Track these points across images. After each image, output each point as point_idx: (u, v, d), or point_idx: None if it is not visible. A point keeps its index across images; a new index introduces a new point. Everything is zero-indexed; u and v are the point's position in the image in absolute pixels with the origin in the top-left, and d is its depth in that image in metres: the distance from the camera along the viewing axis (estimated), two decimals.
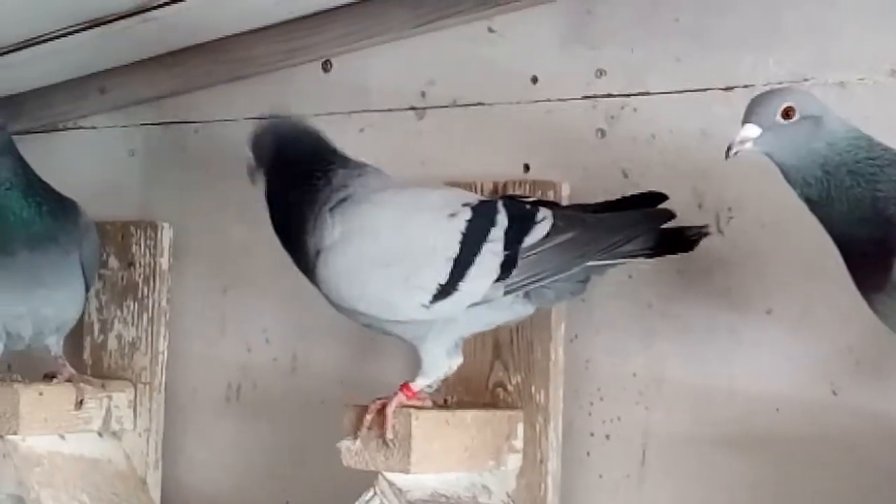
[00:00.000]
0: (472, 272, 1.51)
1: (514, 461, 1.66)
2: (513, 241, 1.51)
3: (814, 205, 1.28)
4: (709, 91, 1.62)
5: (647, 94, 1.67)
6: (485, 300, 1.52)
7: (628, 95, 1.68)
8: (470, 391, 1.69)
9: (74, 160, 2.24)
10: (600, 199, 1.61)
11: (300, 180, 1.56)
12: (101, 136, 2.21)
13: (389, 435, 1.52)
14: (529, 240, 1.51)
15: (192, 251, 2.09)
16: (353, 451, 1.56)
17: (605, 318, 1.68)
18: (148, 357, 2.05)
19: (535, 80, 1.76)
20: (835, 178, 1.26)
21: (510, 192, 1.71)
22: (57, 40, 1.98)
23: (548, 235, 1.52)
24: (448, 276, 1.50)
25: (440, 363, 1.56)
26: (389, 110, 1.88)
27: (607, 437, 1.68)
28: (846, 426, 1.50)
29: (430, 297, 1.51)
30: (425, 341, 1.55)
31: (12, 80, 2.20)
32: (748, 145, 1.27)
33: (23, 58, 2.06)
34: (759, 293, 1.58)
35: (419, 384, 1.57)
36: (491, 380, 1.69)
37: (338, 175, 1.57)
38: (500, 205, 1.54)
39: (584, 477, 1.69)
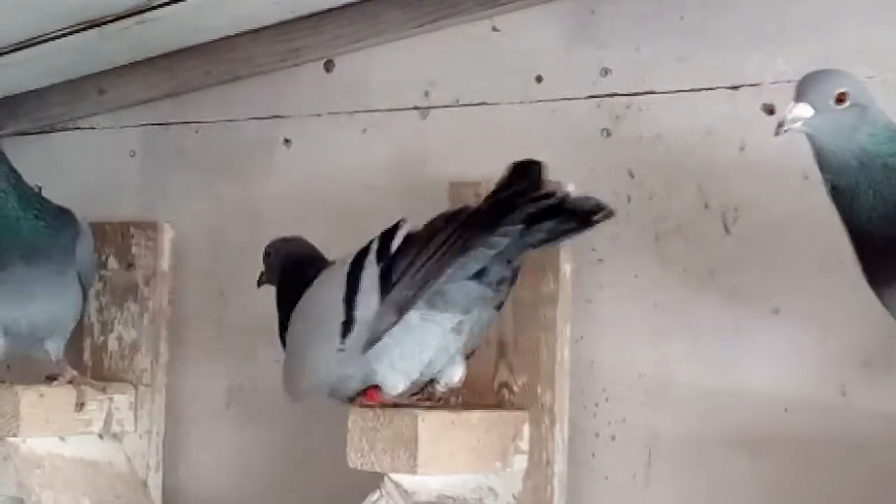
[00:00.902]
0: (360, 298, 1.56)
1: (519, 462, 1.65)
2: (383, 253, 1.56)
3: (839, 194, 1.27)
4: (714, 90, 1.61)
5: (653, 93, 1.66)
6: (380, 320, 1.54)
7: (633, 94, 1.68)
8: (475, 392, 1.68)
9: (73, 161, 2.22)
10: (608, 199, 1.60)
11: (294, 285, 1.71)
12: (101, 136, 2.20)
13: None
14: (395, 244, 1.55)
15: (192, 252, 2.08)
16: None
17: (612, 318, 1.68)
18: (149, 359, 2.03)
19: (539, 79, 1.75)
20: (868, 170, 1.25)
21: None
22: (55, 41, 1.97)
23: (410, 237, 1.55)
24: (345, 313, 1.57)
25: (397, 385, 1.58)
26: (392, 110, 1.88)
27: (613, 438, 1.67)
28: (856, 427, 1.50)
29: (339, 339, 1.57)
30: (377, 375, 1.58)
31: (10, 80, 2.19)
32: (798, 125, 1.25)
33: (20, 58, 2.04)
34: (766, 293, 1.57)
35: (383, 397, 1.60)
36: (496, 380, 1.68)
37: (314, 274, 1.68)
38: (378, 236, 1.59)
39: (590, 478, 1.68)
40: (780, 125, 1.25)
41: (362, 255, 1.57)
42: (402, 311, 1.53)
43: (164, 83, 2.07)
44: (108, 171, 2.19)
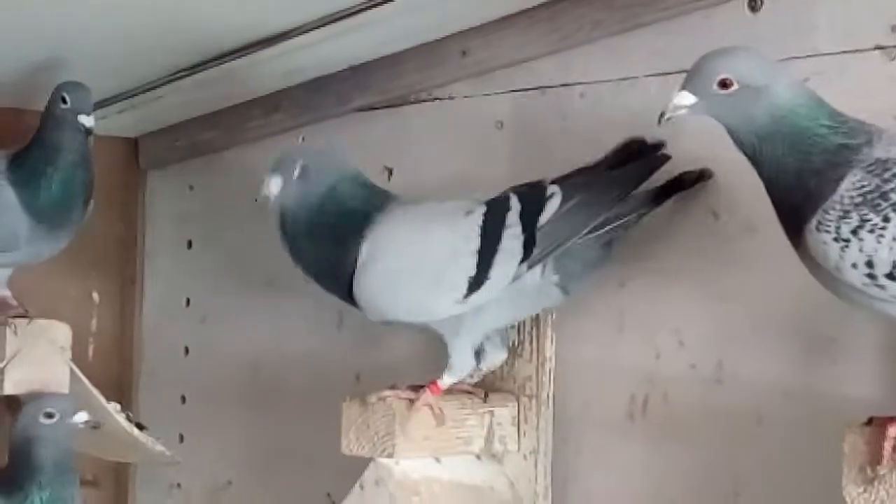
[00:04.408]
0: (498, 259, 1.58)
1: None
2: (529, 221, 1.58)
3: (753, 164, 1.31)
4: None
5: None
6: (514, 279, 1.59)
7: None
8: None
9: (429, 137, 1.95)
10: None
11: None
12: (462, 107, 1.90)
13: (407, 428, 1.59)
14: (544, 217, 1.58)
15: None
16: None
17: None
18: (533, 365, 1.72)
19: None
20: (769, 146, 1.28)
21: None
22: None
23: (559, 207, 1.58)
24: (476, 269, 1.58)
25: (467, 361, 1.63)
26: (845, 52, 1.49)
27: None
28: None
29: (463, 292, 1.59)
30: (457, 338, 1.62)
31: (358, 46, 1.92)
32: (682, 112, 1.31)
33: (372, 18, 1.77)
34: None
35: (447, 382, 1.63)
36: None
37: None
38: (510, 192, 1.62)
39: None
40: (662, 114, 1.32)
41: (500, 209, 1.59)
42: (530, 266, 1.58)
43: (542, 38, 1.75)
44: (470, 148, 1.89)
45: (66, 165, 1.86)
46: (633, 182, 1.59)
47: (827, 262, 1.24)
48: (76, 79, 1.90)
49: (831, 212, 1.23)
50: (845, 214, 1.22)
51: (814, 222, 1.24)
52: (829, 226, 1.23)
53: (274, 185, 1.65)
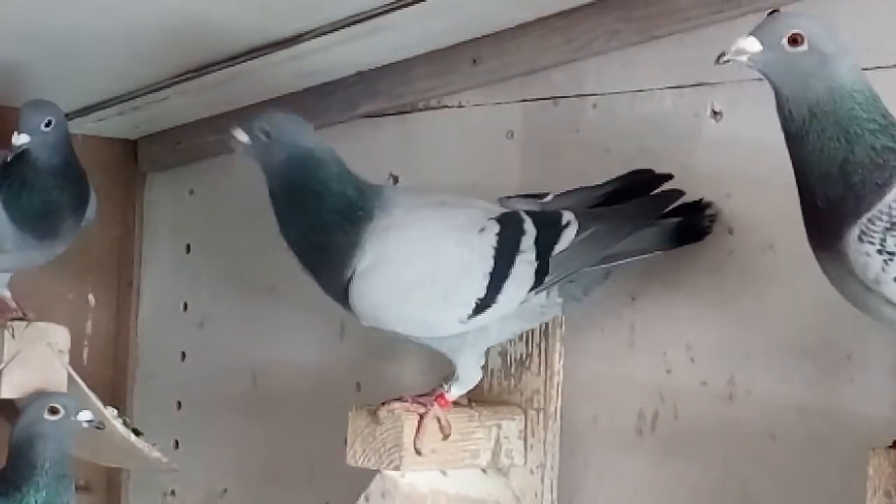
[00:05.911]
0: (509, 283, 1.57)
1: None
2: (544, 249, 1.57)
3: (790, 140, 1.25)
4: None
5: None
6: (521, 303, 1.59)
7: None
8: None
9: (438, 145, 1.93)
10: None
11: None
12: (472, 115, 1.89)
13: (418, 444, 1.56)
14: (559, 246, 1.57)
15: None
16: None
17: None
18: (541, 378, 1.70)
19: None
20: (819, 123, 1.22)
21: None
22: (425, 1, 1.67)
23: (574, 237, 1.57)
24: (486, 291, 1.56)
25: (475, 373, 1.62)
26: (866, 69, 1.45)
27: None
28: None
29: (469, 312, 1.57)
30: (461, 353, 1.60)
31: (368, 52, 1.90)
32: (743, 58, 1.23)
33: (384, 24, 1.76)
34: None
35: (455, 394, 1.61)
36: None
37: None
38: (524, 214, 1.59)
39: None
40: (722, 55, 1.24)
41: (516, 232, 1.57)
42: (538, 291, 1.58)
43: (557, 48, 1.73)
44: (479, 157, 1.88)
45: (36, 178, 1.83)
46: (649, 216, 1.58)
47: (866, 274, 1.20)
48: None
49: (877, 223, 1.19)
50: (893, 226, 1.19)
51: (856, 232, 1.20)
52: (873, 237, 1.19)
53: (240, 135, 1.60)
